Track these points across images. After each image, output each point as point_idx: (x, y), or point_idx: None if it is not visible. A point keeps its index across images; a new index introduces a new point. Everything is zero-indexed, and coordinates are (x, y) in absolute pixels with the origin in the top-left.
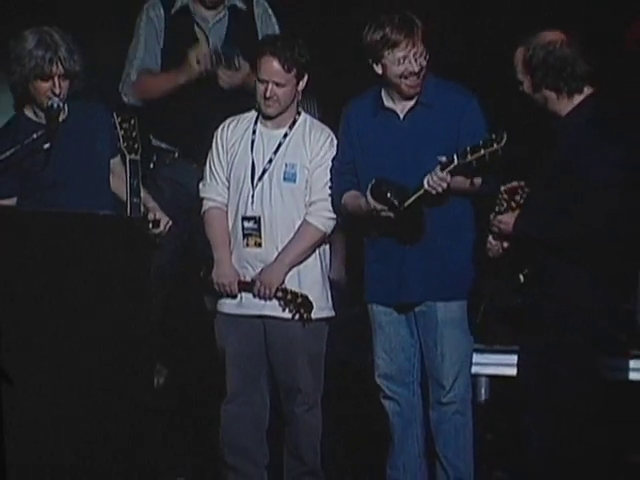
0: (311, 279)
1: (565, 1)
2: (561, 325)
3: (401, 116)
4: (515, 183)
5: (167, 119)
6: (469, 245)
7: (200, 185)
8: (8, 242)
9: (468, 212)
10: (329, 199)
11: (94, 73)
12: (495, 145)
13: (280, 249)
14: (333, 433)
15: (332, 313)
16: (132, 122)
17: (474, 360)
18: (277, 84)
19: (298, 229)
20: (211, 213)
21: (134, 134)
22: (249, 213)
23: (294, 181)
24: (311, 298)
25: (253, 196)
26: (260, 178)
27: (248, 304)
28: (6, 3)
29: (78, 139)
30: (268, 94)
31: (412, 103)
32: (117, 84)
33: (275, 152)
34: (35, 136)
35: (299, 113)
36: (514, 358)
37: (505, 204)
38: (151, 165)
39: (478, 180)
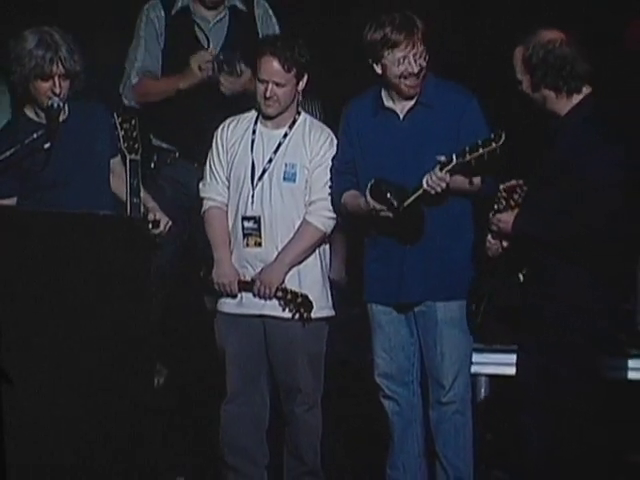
0: (311, 279)
1: (565, 1)
2: (560, 325)
3: (401, 116)
4: (514, 182)
5: (167, 119)
6: (469, 245)
7: (200, 185)
8: (8, 242)
9: (467, 212)
10: (329, 199)
11: (94, 73)
12: (493, 144)
13: (280, 249)
14: (333, 433)
15: (332, 313)
16: (132, 122)
17: (474, 359)
18: (277, 84)
19: (298, 229)
20: (211, 213)
21: (134, 134)
22: (249, 213)
23: (294, 181)
24: (311, 298)
25: (253, 196)
26: (260, 178)
27: (248, 304)
28: (6, 3)
29: (78, 139)
30: (268, 94)
31: (412, 103)
32: (117, 84)
33: (275, 152)
34: (35, 136)
35: (299, 113)
36: (514, 357)
37: (504, 202)
38: (152, 165)
39: (477, 180)
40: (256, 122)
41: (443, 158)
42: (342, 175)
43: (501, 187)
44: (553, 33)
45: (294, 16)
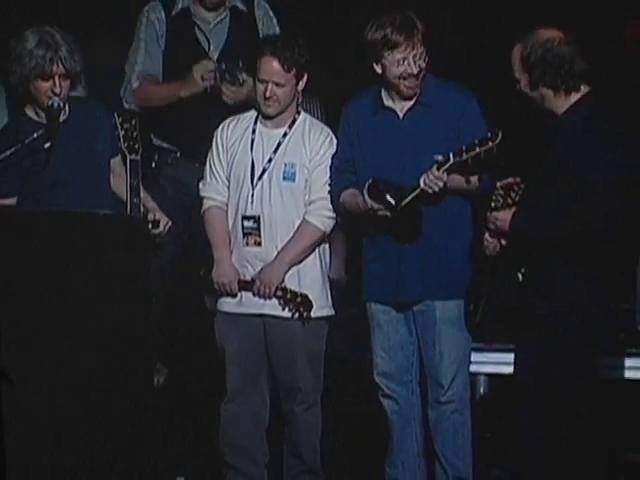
0: (311, 278)
1: (565, 1)
2: (558, 324)
3: (400, 115)
4: (511, 179)
5: (168, 119)
6: (467, 244)
7: (200, 184)
8: (8, 242)
9: (465, 211)
10: (328, 198)
11: (94, 73)
12: (490, 143)
13: (280, 248)
14: (333, 432)
15: (332, 312)
16: (133, 122)
17: (473, 359)
18: (277, 84)
19: (298, 228)
20: (211, 212)
21: (135, 134)
22: (249, 212)
23: (293, 180)
24: (311, 297)
25: (253, 195)
26: (260, 177)
27: (248, 303)
28: (6, 3)
29: (79, 139)
30: (268, 94)
31: (412, 103)
32: (117, 84)
33: (275, 151)
34: (35, 135)
35: (299, 112)
36: (512, 357)
37: (501, 200)
38: (153, 164)
39: (474, 178)
40: (256, 122)
41: (440, 157)
42: (342, 174)
43: (498, 185)
44: (551, 32)
45: (294, 16)
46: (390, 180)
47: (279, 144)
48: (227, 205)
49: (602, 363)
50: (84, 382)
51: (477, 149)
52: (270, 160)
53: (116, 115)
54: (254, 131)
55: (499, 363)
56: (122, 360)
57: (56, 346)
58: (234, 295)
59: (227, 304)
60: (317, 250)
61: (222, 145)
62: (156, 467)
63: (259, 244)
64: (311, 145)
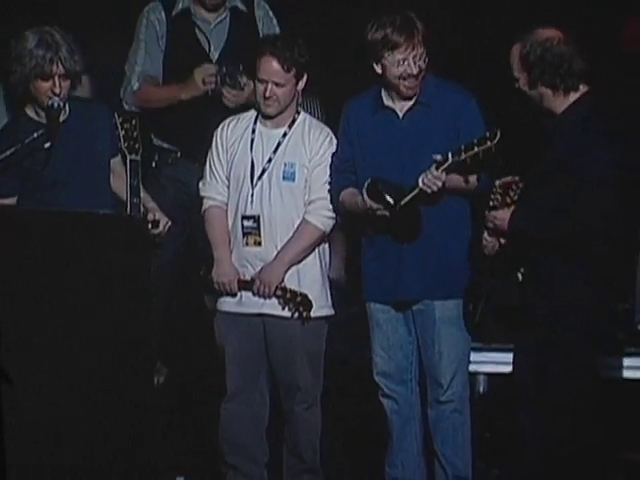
0: (310, 278)
1: (564, 1)
2: (557, 323)
3: (400, 115)
4: (510, 178)
5: (168, 119)
6: (466, 243)
7: (200, 184)
8: (8, 242)
9: (465, 210)
10: (328, 198)
11: (94, 73)
12: (488, 143)
13: (279, 248)
14: (332, 431)
15: (331, 311)
16: (133, 122)
17: (472, 358)
18: (276, 84)
19: (297, 228)
20: (211, 212)
21: (135, 134)
22: (249, 212)
23: (293, 180)
24: (310, 297)
25: (253, 195)
26: (260, 177)
27: (248, 302)
28: (6, 3)
29: (79, 139)
30: (267, 94)
31: (411, 103)
32: (117, 85)
33: (274, 151)
34: (35, 135)
35: (298, 112)
36: (512, 356)
37: (500, 198)
38: (153, 164)
39: (473, 178)
40: (256, 121)
41: (439, 157)
42: (341, 173)
43: (496, 183)
44: (551, 31)
45: (294, 16)
46: (389, 180)
47: (279, 144)
48: (227, 205)
49: (601, 362)
50: (84, 382)
51: (475, 149)
52: (270, 160)
53: (116, 115)
54: (254, 131)
55: (498, 363)
56: (122, 360)
57: (56, 346)
58: (234, 295)
59: (227, 304)
60: (317, 250)
61: (222, 145)
62: (156, 467)
63: (259, 244)
64: (311, 145)
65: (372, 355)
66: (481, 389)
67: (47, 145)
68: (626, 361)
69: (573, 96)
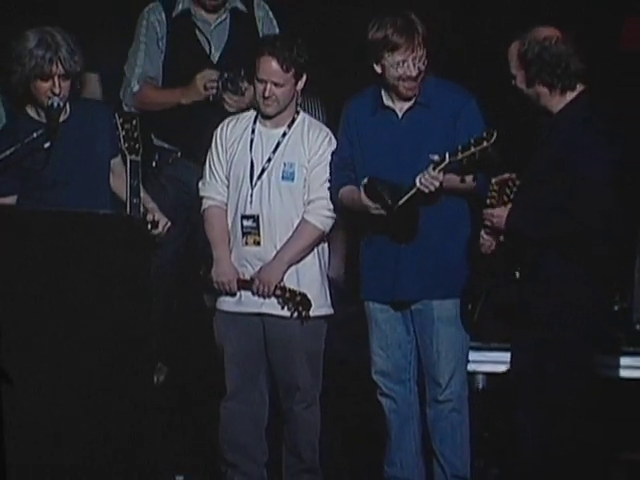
0: (310, 277)
1: (564, 2)
2: (554, 322)
3: (400, 115)
4: (506, 175)
5: (168, 119)
6: (464, 243)
7: (200, 184)
8: (8, 242)
9: (463, 210)
10: (327, 198)
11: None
12: (485, 143)
13: (279, 247)
14: (331, 430)
15: (331, 311)
16: (134, 122)
17: (471, 358)
18: (276, 84)
19: (296, 227)
20: (211, 212)
21: (135, 134)
22: (248, 212)
23: (292, 180)
24: (310, 296)
25: (252, 195)
26: (259, 177)
27: (247, 302)
28: (6, 3)
29: (79, 139)
30: (267, 94)
31: (411, 103)
32: (117, 85)
33: (274, 151)
34: (35, 135)
35: (298, 112)
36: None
37: (496, 196)
38: (153, 164)
39: (470, 178)
40: (255, 121)
41: (436, 157)
42: (341, 171)
43: (493, 180)
44: (549, 30)
45: (294, 16)
46: (388, 179)
47: (278, 144)
48: (226, 204)
49: (598, 361)
50: (84, 382)
51: (472, 149)
52: (269, 160)
53: (117, 115)
54: (253, 131)
55: (497, 362)
56: (122, 360)
57: (56, 346)
58: (233, 294)
59: (226, 303)
60: (316, 249)
61: (221, 145)
62: (156, 466)
63: (258, 243)
64: (310, 145)
65: (370, 354)
66: (479, 388)
67: (47, 145)
68: (625, 360)
69: (570, 95)
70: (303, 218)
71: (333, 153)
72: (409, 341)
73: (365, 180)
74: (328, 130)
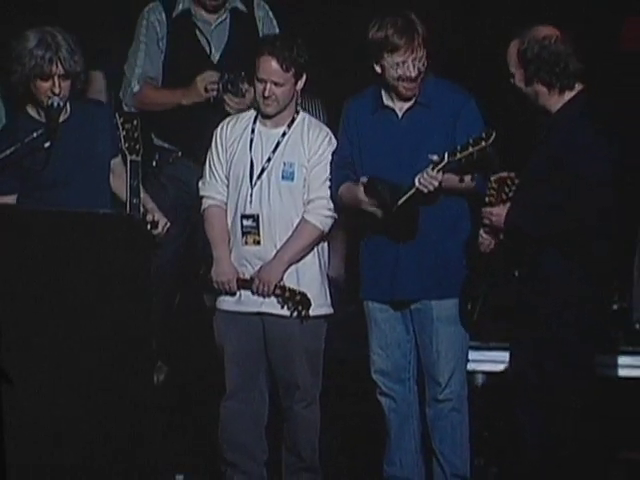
0: (309, 276)
1: (564, 2)
2: (553, 320)
3: (399, 115)
4: (504, 173)
5: (168, 119)
6: (463, 243)
7: (200, 183)
8: (8, 241)
9: (462, 210)
10: (327, 197)
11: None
12: (483, 143)
13: (278, 247)
14: (331, 429)
15: (330, 310)
16: (134, 123)
17: (470, 357)
18: (275, 83)
19: (296, 227)
20: (210, 211)
21: (136, 135)
22: (248, 211)
23: (292, 179)
24: (309, 295)
25: (252, 194)
26: (259, 177)
27: (247, 301)
28: (6, 3)
29: (79, 139)
30: (267, 93)
31: (411, 103)
32: (117, 85)
33: (274, 151)
34: (35, 135)
35: (297, 112)
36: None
37: (495, 194)
38: (154, 163)
39: (469, 178)
40: (255, 121)
41: (435, 157)
42: (341, 169)
43: (491, 179)
44: (549, 29)
45: (294, 16)
46: (387, 179)
47: (278, 143)
48: (226, 204)
49: (597, 360)
50: (84, 382)
51: (471, 148)
52: (269, 159)
53: (117, 115)
54: (253, 130)
55: (496, 361)
56: (122, 360)
57: (56, 346)
58: (233, 293)
59: (226, 302)
60: (316, 249)
61: (221, 144)
62: (156, 466)
63: (258, 243)
64: (310, 144)
65: (370, 353)
66: (479, 387)
67: (47, 145)
68: (623, 359)
69: (568, 95)
70: (303, 218)
71: (333, 153)
72: (408, 340)
73: (365, 180)
74: (328, 130)
